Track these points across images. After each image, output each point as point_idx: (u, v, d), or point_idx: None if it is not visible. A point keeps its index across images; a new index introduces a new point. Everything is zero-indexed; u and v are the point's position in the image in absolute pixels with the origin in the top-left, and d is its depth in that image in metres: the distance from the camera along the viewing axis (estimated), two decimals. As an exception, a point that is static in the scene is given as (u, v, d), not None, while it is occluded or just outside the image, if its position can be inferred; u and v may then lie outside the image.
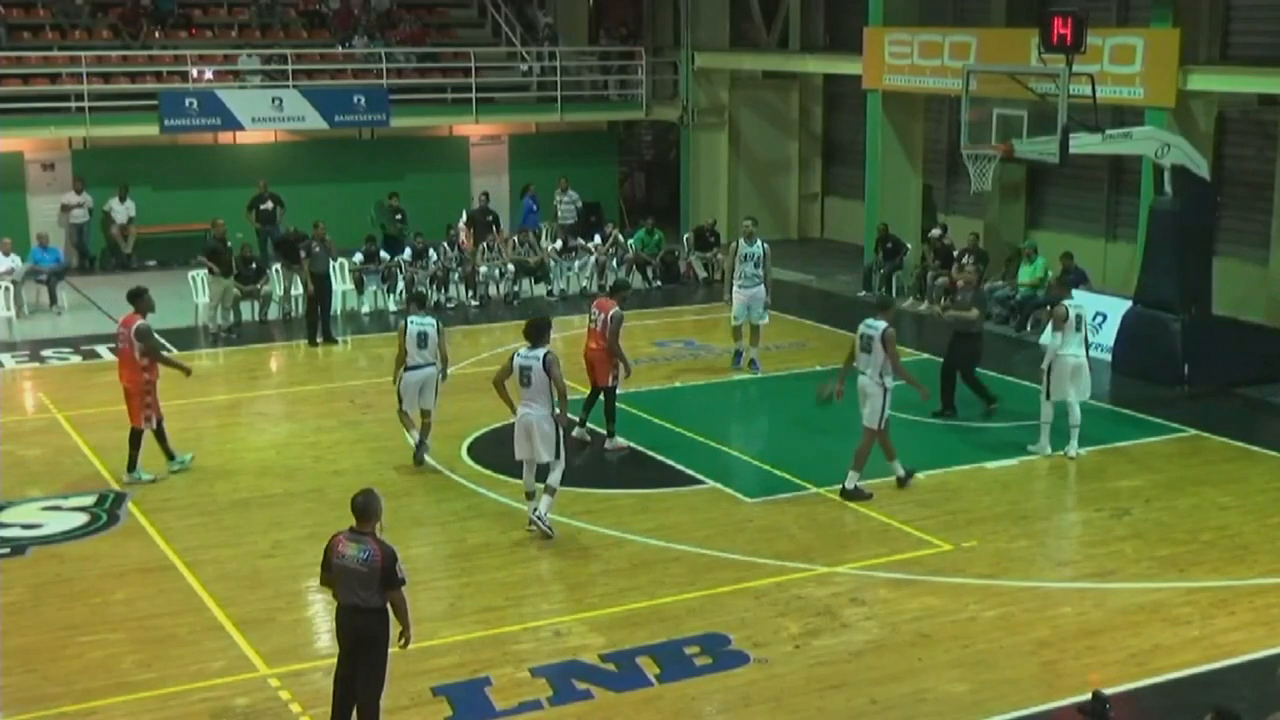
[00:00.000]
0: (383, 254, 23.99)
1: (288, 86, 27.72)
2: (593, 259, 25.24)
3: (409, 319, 15.33)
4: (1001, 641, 11.02)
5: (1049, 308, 17.00)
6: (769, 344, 20.18)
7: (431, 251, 24.09)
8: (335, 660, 9.22)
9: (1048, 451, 15.43)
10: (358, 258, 23.76)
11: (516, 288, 24.59)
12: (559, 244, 25.81)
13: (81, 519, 13.82)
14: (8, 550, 12.98)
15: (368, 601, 8.82)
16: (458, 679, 10.35)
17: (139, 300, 14.82)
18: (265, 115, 27.47)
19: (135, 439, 14.78)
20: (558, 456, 12.99)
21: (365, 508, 8.94)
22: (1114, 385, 18.48)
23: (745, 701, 10.09)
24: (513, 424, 13.29)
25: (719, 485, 14.74)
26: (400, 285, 23.43)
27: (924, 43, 23.90)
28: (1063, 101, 17.16)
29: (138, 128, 26.85)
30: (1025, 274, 22.12)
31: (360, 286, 23.62)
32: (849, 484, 14.22)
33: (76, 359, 20.47)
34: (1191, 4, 20.97)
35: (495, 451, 15.34)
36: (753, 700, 10.09)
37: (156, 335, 15.50)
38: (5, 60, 26.70)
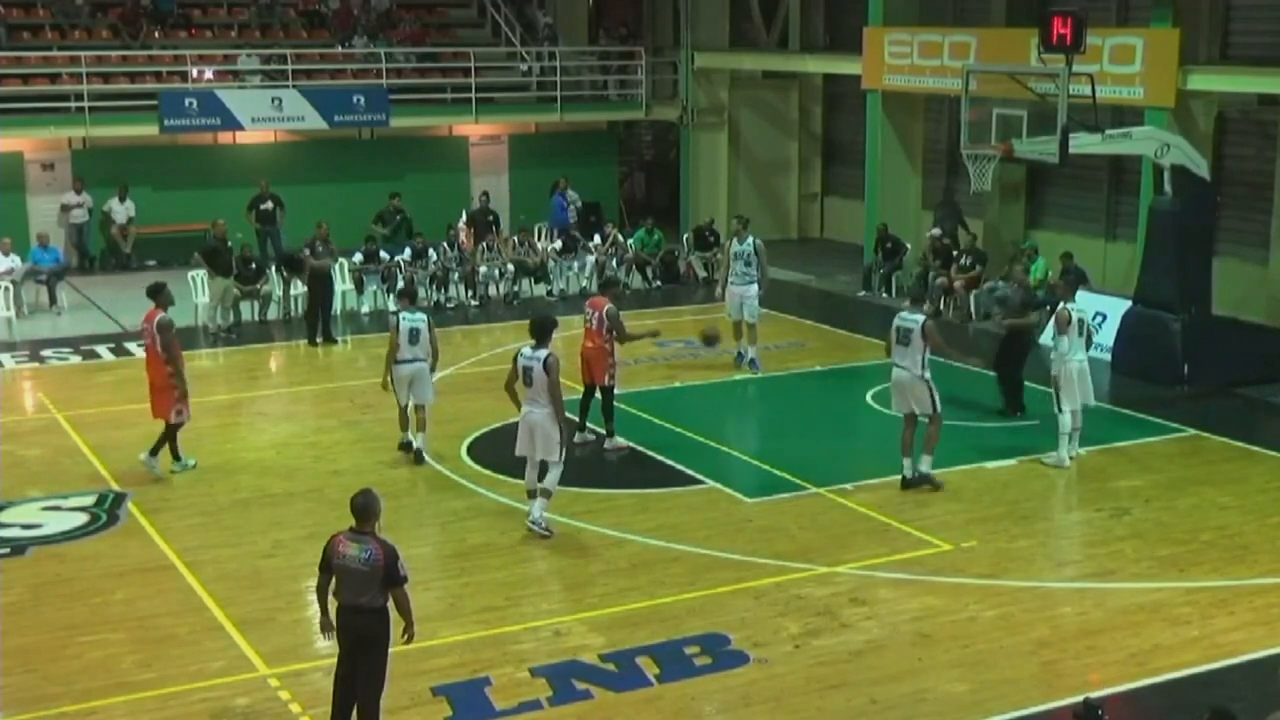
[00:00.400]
0: (383, 254, 23.99)
1: (287, 86, 27.71)
2: (592, 259, 25.25)
3: (400, 314, 15.47)
4: (1001, 641, 11.02)
5: (1048, 308, 16.97)
6: (769, 344, 20.19)
7: (431, 251, 24.09)
8: (335, 660, 9.22)
9: (1066, 464, 15.14)
10: (357, 258, 23.76)
11: (516, 288, 24.59)
12: (559, 244, 25.81)
13: (81, 519, 13.82)
14: (8, 550, 12.99)
15: (369, 601, 8.82)
16: (458, 679, 10.35)
17: (159, 295, 15.03)
18: (265, 115, 27.47)
19: (170, 431, 14.93)
20: (559, 459, 13.01)
21: (365, 508, 8.95)
22: (1114, 385, 18.46)
23: (745, 701, 10.09)
24: (514, 424, 13.32)
25: (719, 485, 14.74)
26: (400, 285, 23.41)
27: (924, 43, 23.90)
28: (1062, 101, 17.15)
29: (137, 128, 26.84)
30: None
31: (360, 286, 23.62)
32: (923, 468, 14.35)
33: (76, 359, 20.47)
34: (1191, 4, 20.96)
35: (495, 451, 15.34)
36: (753, 700, 10.10)
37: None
38: (5, 60, 26.70)
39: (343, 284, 23.18)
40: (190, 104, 26.93)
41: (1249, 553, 12.86)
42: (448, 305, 23.90)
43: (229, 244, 22.71)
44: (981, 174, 18.57)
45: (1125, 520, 13.72)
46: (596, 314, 15.70)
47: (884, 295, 24.41)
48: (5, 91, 26.29)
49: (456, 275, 24.24)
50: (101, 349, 20.87)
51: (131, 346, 20.64)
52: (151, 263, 26.48)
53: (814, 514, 13.91)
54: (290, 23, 30.40)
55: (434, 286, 23.91)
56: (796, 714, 9.91)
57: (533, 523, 13.11)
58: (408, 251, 24.12)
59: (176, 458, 15.14)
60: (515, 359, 13.20)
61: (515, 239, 25.49)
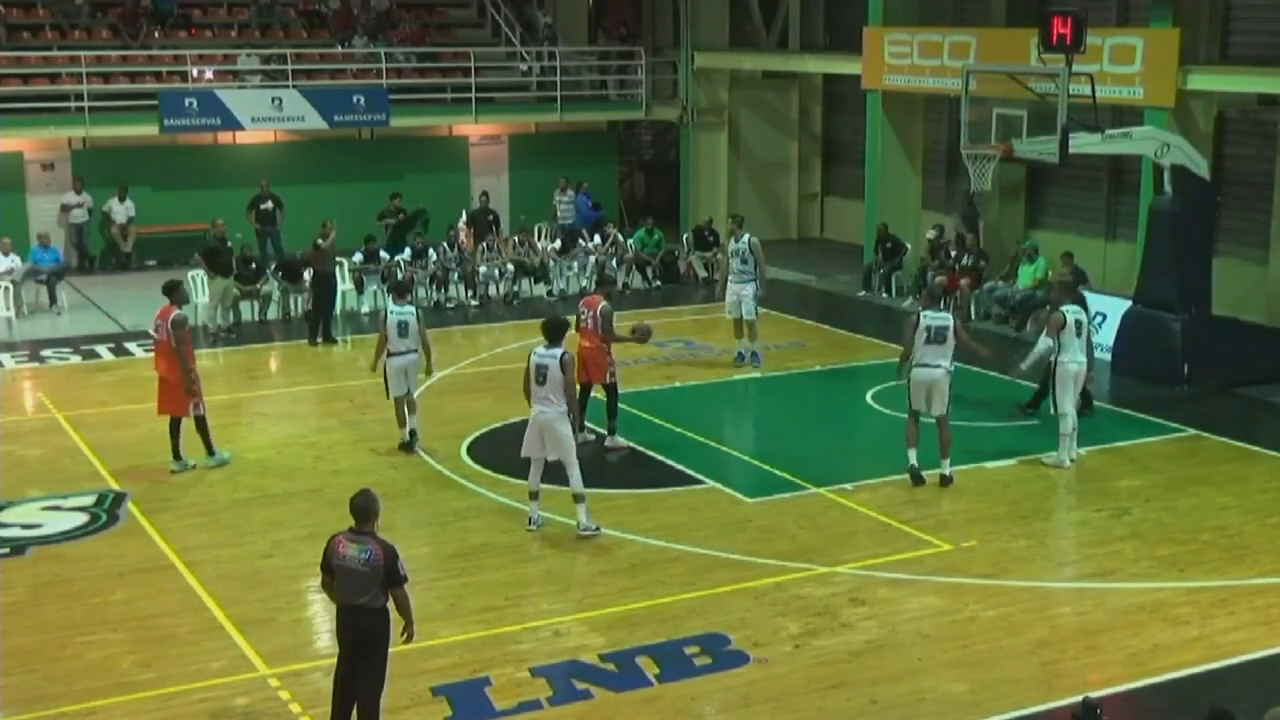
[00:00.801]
0: (383, 254, 24.00)
1: (287, 86, 27.71)
2: (592, 259, 25.25)
3: (389, 309, 15.86)
4: (1001, 641, 11.02)
5: (1047, 308, 16.94)
6: (769, 344, 20.20)
7: (431, 251, 24.10)
8: (335, 660, 9.23)
9: (1066, 465, 15.15)
10: (357, 258, 23.76)
11: (516, 288, 24.59)
12: (559, 244, 25.81)
13: (81, 519, 13.83)
14: (8, 550, 12.98)
15: (369, 601, 8.83)
16: (458, 679, 10.35)
17: (174, 292, 15.26)
18: (265, 115, 27.46)
19: (200, 425, 15.19)
20: (571, 459, 13.05)
21: (364, 508, 8.96)
22: (1114, 385, 18.47)
23: (745, 701, 10.09)
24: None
25: (719, 485, 14.74)
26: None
27: (924, 43, 23.90)
28: (1062, 101, 17.16)
29: (137, 128, 26.84)
30: (1025, 274, 22.09)
31: (360, 286, 23.63)
32: (946, 470, 14.51)
33: (76, 359, 20.47)
34: (1191, 4, 20.95)
35: (495, 451, 15.36)
36: (753, 700, 10.10)
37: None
38: (5, 60, 26.69)
39: (343, 284, 23.18)
40: (190, 104, 26.93)
41: (1249, 553, 12.86)
42: (448, 305, 23.91)
43: (229, 244, 22.71)
44: (981, 174, 18.59)
45: (1125, 520, 13.72)
46: (591, 313, 15.71)
47: (884, 295, 24.42)
48: (5, 91, 26.28)
49: (456, 275, 24.24)
50: (101, 349, 20.87)
51: (131, 346, 20.68)
52: (151, 263, 26.49)
53: (814, 514, 13.91)
54: (290, 23, 30.39)
55: (434, 286, 23.91)
56: (796, 714, 9.91)
57: (583, 530, 13.15)
58: (408, 251, 24.13)
59: (177, 456, 15.15)
60: (529, 358, 13.23)
61: (515, 239, 25.50)
